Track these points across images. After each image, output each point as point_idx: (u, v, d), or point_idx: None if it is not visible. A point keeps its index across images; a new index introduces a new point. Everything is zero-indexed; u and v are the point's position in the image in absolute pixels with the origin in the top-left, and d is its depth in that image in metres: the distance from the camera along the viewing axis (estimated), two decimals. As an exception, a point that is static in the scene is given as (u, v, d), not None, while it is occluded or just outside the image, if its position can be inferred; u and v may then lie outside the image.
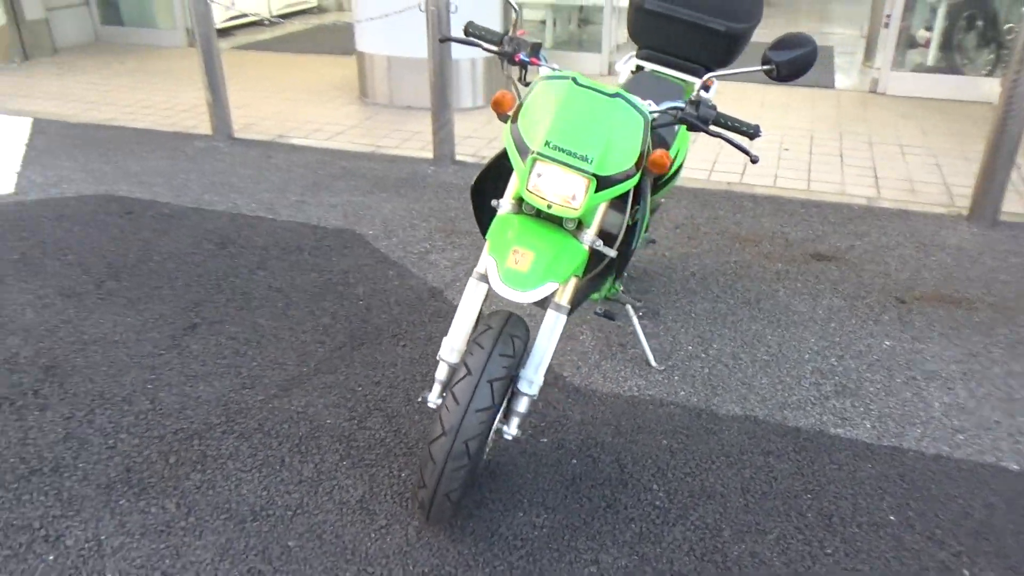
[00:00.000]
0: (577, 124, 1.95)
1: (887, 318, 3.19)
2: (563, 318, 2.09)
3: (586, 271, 2.20)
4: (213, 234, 3.90)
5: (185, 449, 2.43)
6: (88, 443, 2.45)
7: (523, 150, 1.98)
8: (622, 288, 2.87)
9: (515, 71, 2.18)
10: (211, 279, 3.46)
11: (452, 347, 2.12)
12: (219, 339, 3.01)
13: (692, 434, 2.51)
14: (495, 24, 5.92)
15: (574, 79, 2.02)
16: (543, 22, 8.21)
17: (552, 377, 2.78)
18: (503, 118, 2.08)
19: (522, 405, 2.09)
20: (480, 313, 2.14)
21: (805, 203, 4.33)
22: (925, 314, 3.22)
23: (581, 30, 8.59)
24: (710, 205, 4.29)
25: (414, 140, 5.35)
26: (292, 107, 6.17)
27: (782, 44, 2.03)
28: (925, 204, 4.33)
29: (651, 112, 2.08)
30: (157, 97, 6.44)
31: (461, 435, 1.85)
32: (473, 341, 1.95)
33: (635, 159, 1.97)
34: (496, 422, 2.10)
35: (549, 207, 1.98)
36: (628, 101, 1.99)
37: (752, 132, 2.11)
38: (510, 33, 2.14)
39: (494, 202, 2.14)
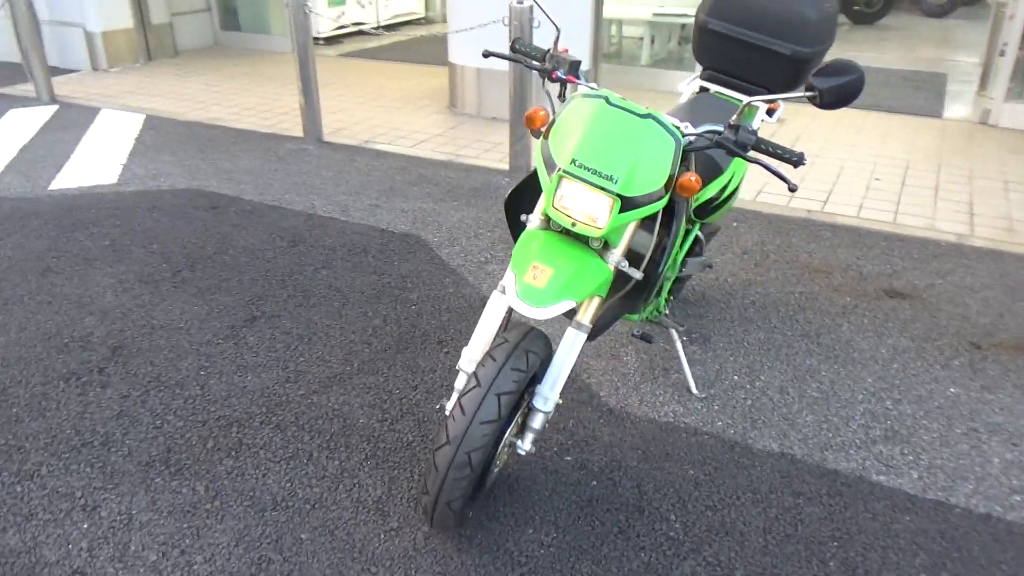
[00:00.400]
0: (605, 143, 1.94)
1: (957, 363, 3.00)
2: (582, 337, 2.07)
3: (614, 292, 2.18)
4: (287, 232, 4.07)
5: (224, 435, 2.54)
6: (138, 422, 2.60)
7: (551, 166, 1.98)
8: (667, 311, 2.81)
9: (554, 88, 2.18)
10: (277, 275, 3.61)
11: (470, 358, 2.13)
12: (274, 333, 3.13)
13: (721, 467, 2.43)
14: (585, 42, 5.93)
15: (606, 98, 2.01)
16: (641, 39, 8.16)
17: (588, 396, 2.76)
18: (536, 134, 2.09)
19: (537, 421, 2.09)
20: (502, 326, 2.15)
21: (888, 236, 4.12)
22: (1001, 363, 3.01)
23: (681, 48, 8.49)
24: (784, 232, 4.14)
25: (495, 151, 5.41)
26: (383, 113, 6.36)
27: (827, 71, 1.95)
28: (1023, 245, 4.05)
29: (688, 135, 2.04)
30: (260, 100, 6.77)
31: (464, 446, 1.86)
32: (488, 354, 1.96)
33: (664, 181, 1.94)
34: (510, 435, 2.10)
35: (573, 225, 1.98)
36: (660, 122, 1.96)
37: (796, 160, 2.04)
38: (551, 51, 2.15)
39: (524, 217, 2.15)
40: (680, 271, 2.80)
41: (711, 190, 2.57)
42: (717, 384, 2.85)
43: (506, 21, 4.62)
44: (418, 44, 9.55)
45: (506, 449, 2.12)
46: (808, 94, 1.97)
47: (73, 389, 2.77)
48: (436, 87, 7.29)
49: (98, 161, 5.17)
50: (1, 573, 2.02)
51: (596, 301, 2.09)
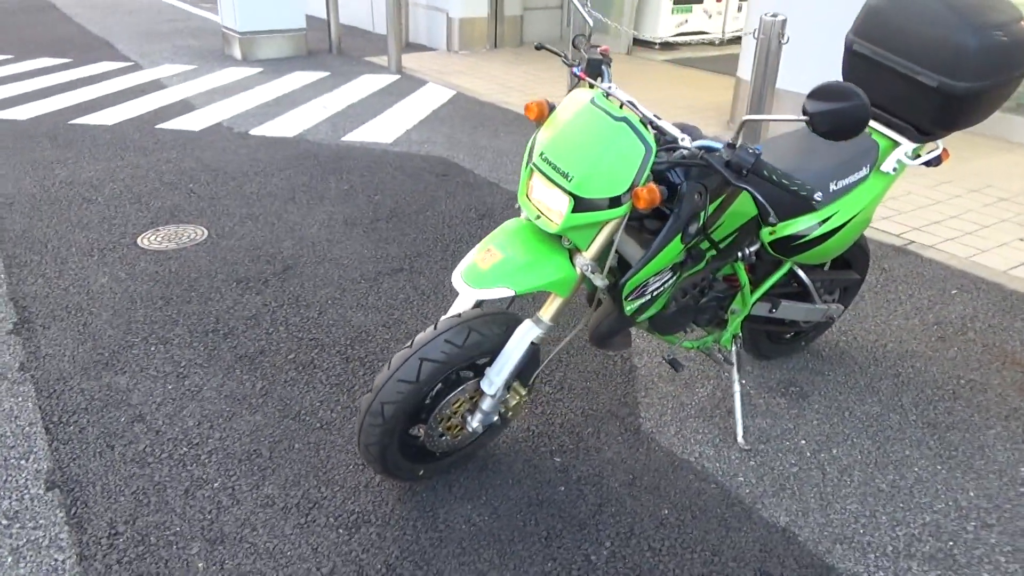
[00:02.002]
0: (573, 141, 1.92)
1: (1121, 514, 2.30)
2: (535, 331, 2.07)
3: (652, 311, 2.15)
4: (484, 206, 4.42)
5: (304, 353, 2.97)
6: (258, 325, 3.15)
7: (529, 158, 2.02)
8: (729, 347, 2.59)
9: (574, 82, 2.18)
10: (446, 240, 3.97)
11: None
12: (404, 286, 3.50)
13: (701, 518, 2.23)
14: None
15: (594, 97, 1.97)
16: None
17: (627, 412, 2.67)
18: (540, 124, 2.12)
19: (484, 403, 2.15)
20: (478, 303, 2.23)
21: None
22: None
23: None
24: (1001, 308, 3.42)
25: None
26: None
27: (820, 93, 1.70)
28: None
29: (678, 148, 1.92)
30: (564, 91, 7.21)
31: (380, 396, 2.02)
32: (435, 324, 2.08)
33: (625, 188, 1.87)
34: (463, 410, 2.19)
35: (538, 218, 2.00)
36: (634, 128, 1.88)
37: (807, 195, 1.81)
38: (583, 46, 2.15)
39: (517, 205, 2.19)
40: (771, 312, 2.56)
41: (793, 226, 2.32)
42: (774, 441, 2.56)
43: (756, 34, 4.42)
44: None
45: (454, 421, 2.21)
46: (804, 118, 1.74)
47: (237, 289, 3.42)
48: (729, 101, 7.08)
49: (391, 124, 6.03)
50: (97, 398, 2.66)
51: (558, 300, 2.07)
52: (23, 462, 2.37)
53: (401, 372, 2.01)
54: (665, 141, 1.95)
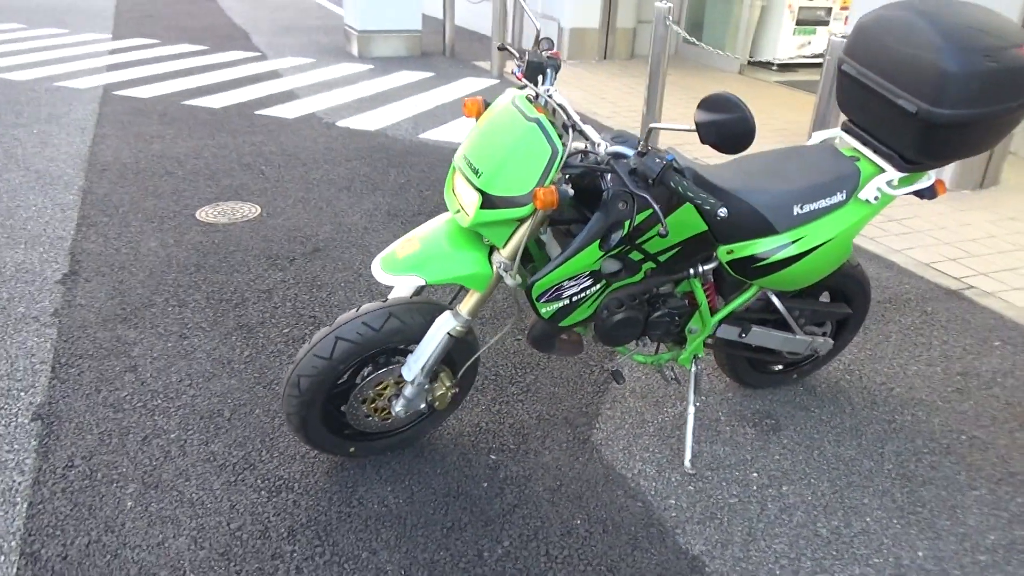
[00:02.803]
0: (488, 140, 1.96)
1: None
2: (451, 322, 2.11)
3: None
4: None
5: (299, 330, 3.13)
6: (270, 299, 3.35)
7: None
8: (694, 368, 2.52)
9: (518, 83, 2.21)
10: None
11: (378, 309, 2.33)
12: (415, 276, 3.61)
13: (613, 534, 2.19)
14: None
15: (516, 98, 2.00)
16: None
17: (584, 421, 2.65)
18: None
19: (406, 389, 2.21)
20: (417, 292, 2.29)
21: None
22: None
23: None
24: (1056, 372, 3.11)
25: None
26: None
27: (705, 104, 1.66)
28: None
29: (595, 155, 1.91)
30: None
31: (298, 369, 2.12)
32: (362, 304, 2.17)
33: (530, 188, 1.88)
34: (389, 393, 2.26)
35: (457, 212, 2.05)
36: (543, 130, 1.89)
37: (712, 210, 1.77)
38: (530, 49, 2.17)
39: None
40: (741, 336, 2.48)
41: (752, 247, 2.24)
42: (723, 470, 2.47)
43: (825, 55, 4.24)
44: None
45: (380, 404, 2.28)
46: (692, 127, 1.70)
47: (264, 265, 3.65)
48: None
49: (470, 125, 6.17)
50: (104, 348, 2.92)
51: (475, 296, 2.10)
52: (23, 394, 2.65)
53: (317, 348, 2.10)
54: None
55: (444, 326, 2.12)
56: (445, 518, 2.21)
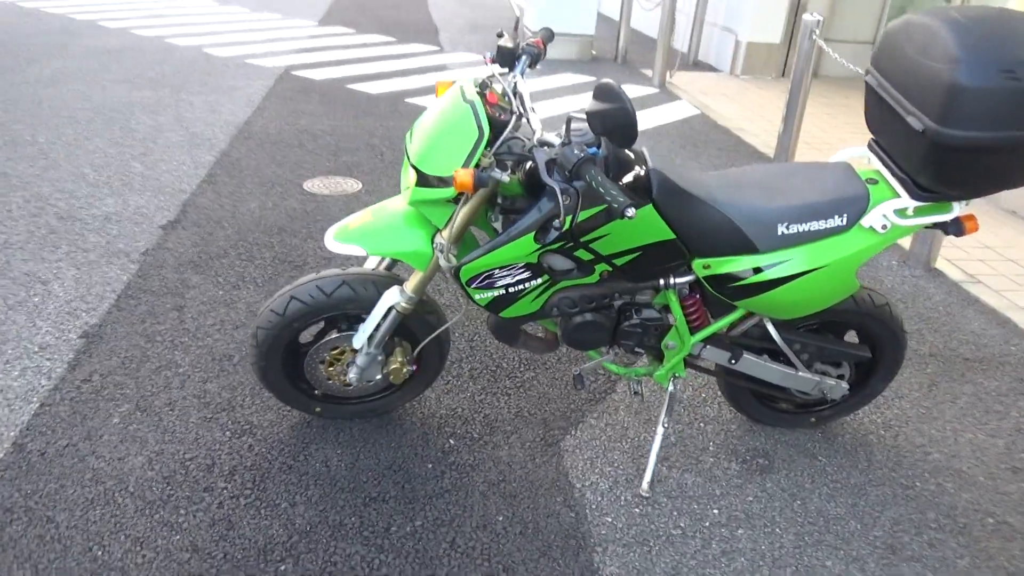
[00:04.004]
0: (429, 119, 1.98)
1: None
2: (395, 298, 2.16)
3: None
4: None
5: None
6: (326, 265, 3.55)
7: (420, 134, 2.11)
8: (671, 387, 2.38)
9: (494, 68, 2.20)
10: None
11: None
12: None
13: (530, 538, 2.13)
14: None
15: (465, 81, 2.00)
16: None
17: (560, 424, 2.59)
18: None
19: (358, 358, 2.29)
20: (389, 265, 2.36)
21: None
22: None
23: None
24: None
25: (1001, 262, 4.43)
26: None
27: (596, 92, 1.57)
28: None
29: (535, 141, 1.88)
30: (829, 130, 6.70)
31: (257, 321, 2.27)
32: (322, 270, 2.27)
33: (455, 169, 1.89)
34: (343, 360, 2.36)
35: (406, 189, 2.09)
36: (475, 113, 1.88)
37: (619, 208, 1.70)
38: (508, 35, 2.15)
39: None
40: (731, 363, 2.33)
41: (729, 264, 2.10)
42: (682, 500, 2.31)
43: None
44: None
45: (337, 369, 2.37)
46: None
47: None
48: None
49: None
50: (168, 287, 3.26)
51: (418, 274, 2.13)
52: (84, 315, 3.02)
53: (274, 304, 2.22)
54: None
55: (388, 300, 2.16)
56: (374, 488, 2.25)
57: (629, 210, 1.65)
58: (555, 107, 6.71)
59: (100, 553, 1.98)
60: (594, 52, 9.43)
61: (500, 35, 2.30)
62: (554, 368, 2.89)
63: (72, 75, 6.59)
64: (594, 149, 1.79)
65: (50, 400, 2.52)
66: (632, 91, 7.50)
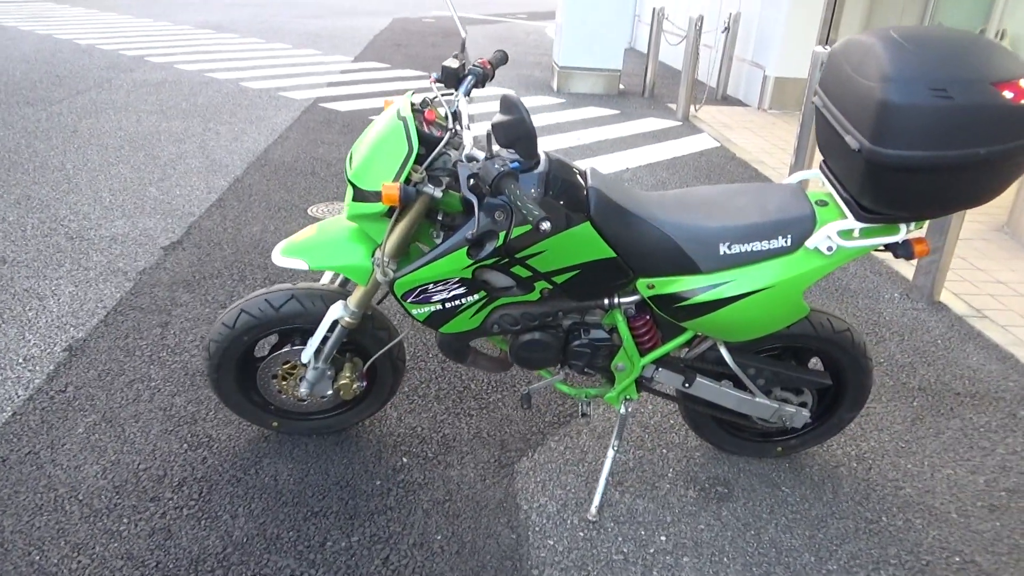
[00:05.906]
0: (367, 136, 2.02)
1: None
2: (339, 313, 2.18)
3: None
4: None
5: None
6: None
7: (365, 150, 2.15)
8: (623, 410, 2.35)
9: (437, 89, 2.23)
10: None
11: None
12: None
13: (466, 558, 2.10)
14: None
15: (403, 98, 2.03)
16: None
17: (518, 446, 2.56)
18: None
19: (307, 372, 2.32)
20: (342, 282, 2.39)
21: None
22: None
23: None
24: None
25: (965, 282, 4.30)
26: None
27: (500, 105, 1.59)
28: None
29: (461, 156, 1.90)
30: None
31: (210, 333, 2.31)
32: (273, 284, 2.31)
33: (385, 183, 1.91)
34: (296, 375, 2.38)
35: (346, 204, 2.13)
36: (406, 129, 1.91)
37: (534, 221, 1.70)
38: (454, 56, 2.19)
39: None
40: (685, 386, 2.30)
41: (673, 284, 2.07)
42: (630, 525, 2.26)
43: None
44: None
45: (290, 383, 2.39)
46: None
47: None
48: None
49: (617, 160, 6.14)
50: (156, 304, 3.34)
51: (360, 289, 2.15)
52: (72, 329, 3.11)
53: (225, 317, 2.27)
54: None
55: (332, 315, 2.18)
56: (317, 503, 2.26)
57: (543, 223, 1.65)
58: (572, 139, 6.75)
59: (38, 558, 2.01)
60: (622, 87, 9.49)
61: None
62: (521, 390, 2.86)
63: (111, 106, 6.88)
64: (516, 163, 1.80)
65: (23, 409, 2.59)
66: (655, 124, 7.50)
